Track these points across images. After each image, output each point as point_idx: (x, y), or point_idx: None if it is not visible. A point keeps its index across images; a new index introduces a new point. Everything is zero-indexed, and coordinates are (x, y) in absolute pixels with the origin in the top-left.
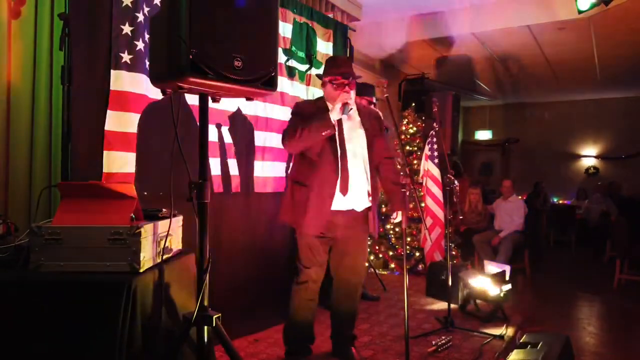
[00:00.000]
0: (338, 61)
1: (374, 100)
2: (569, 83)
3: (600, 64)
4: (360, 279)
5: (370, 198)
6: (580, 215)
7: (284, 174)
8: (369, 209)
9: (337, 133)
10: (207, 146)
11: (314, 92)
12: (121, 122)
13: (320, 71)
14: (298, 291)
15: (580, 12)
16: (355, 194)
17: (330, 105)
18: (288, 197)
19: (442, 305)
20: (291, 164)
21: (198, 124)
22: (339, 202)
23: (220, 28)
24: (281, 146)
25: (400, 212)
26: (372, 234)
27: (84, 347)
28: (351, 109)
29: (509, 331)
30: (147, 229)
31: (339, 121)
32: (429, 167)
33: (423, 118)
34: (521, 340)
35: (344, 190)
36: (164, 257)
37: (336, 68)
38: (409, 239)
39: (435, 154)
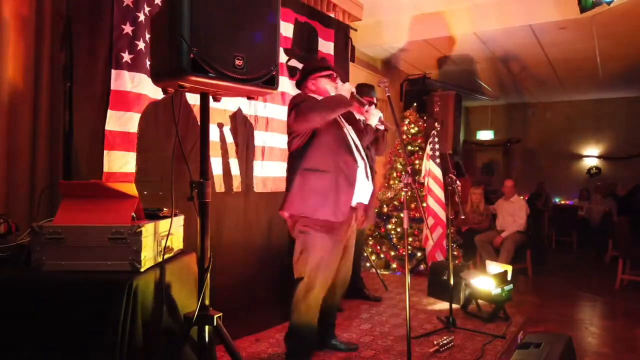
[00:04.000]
0: (323, 61)
1: (375, 101)
2: (571, 83)
3: (602, 63)
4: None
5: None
6: (582, 216)
7: (284, 174)
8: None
9: (345, 127)
10: (208, 145)
11: None
12: (122, 121)
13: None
14: (305, 300)
15: (582, 11)
16: (367, 185)
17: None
18: (297, 187)
19: (443, 305)
20: (295, 154)
21: (199, 123)
22: (357, 194)
23: (221, 27)
24: (282, 146)
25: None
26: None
27: (84, 347)
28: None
29: (511, 331)
30: (148, 229)
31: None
32: (430, 167)
33: (425, 118)
34: (523, 341)
35: (367, 177)
36: (165, 256)
37: (325, 65)
38: (410, 239)
39: (437, 154)
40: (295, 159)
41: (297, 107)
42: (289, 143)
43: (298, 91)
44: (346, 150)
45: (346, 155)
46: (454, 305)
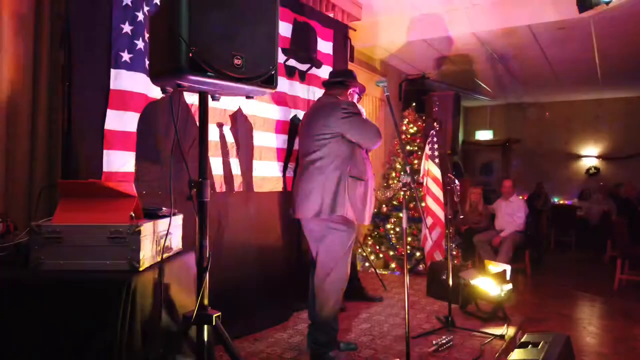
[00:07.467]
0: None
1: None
2: (570, 83)
3: (601, 63)
4: None
5: None
6: (581, 216)
7: (280, 174)
8: None
9: None
10: (207, 145)
11: (314, 91)
12: (121, 121)
13: (322, 72)
14: (337, 293)
15: (581, 11)
16: None
17: None
18: (343, 191)
19: (442, 305)
20: (335, 159)
21: (198, 122)
22: None
23: (220, 26)
24: (275, 146)
25: None
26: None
27: (83, 346)
28: None
29: (510, 331)
30: (146, 228)
31: None
32: (429, 167)
33: (423, 118)
34: (522, 340)
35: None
36: (164, 255)
37: (361, 84)
38: (409, 239)
39: (436, 153)
40: (333, 162)
41: (358, 116)
42: (320, 141)
43: (298, 90)
44: (369, 161)
45: (370, 165)
46: (453, 305)
